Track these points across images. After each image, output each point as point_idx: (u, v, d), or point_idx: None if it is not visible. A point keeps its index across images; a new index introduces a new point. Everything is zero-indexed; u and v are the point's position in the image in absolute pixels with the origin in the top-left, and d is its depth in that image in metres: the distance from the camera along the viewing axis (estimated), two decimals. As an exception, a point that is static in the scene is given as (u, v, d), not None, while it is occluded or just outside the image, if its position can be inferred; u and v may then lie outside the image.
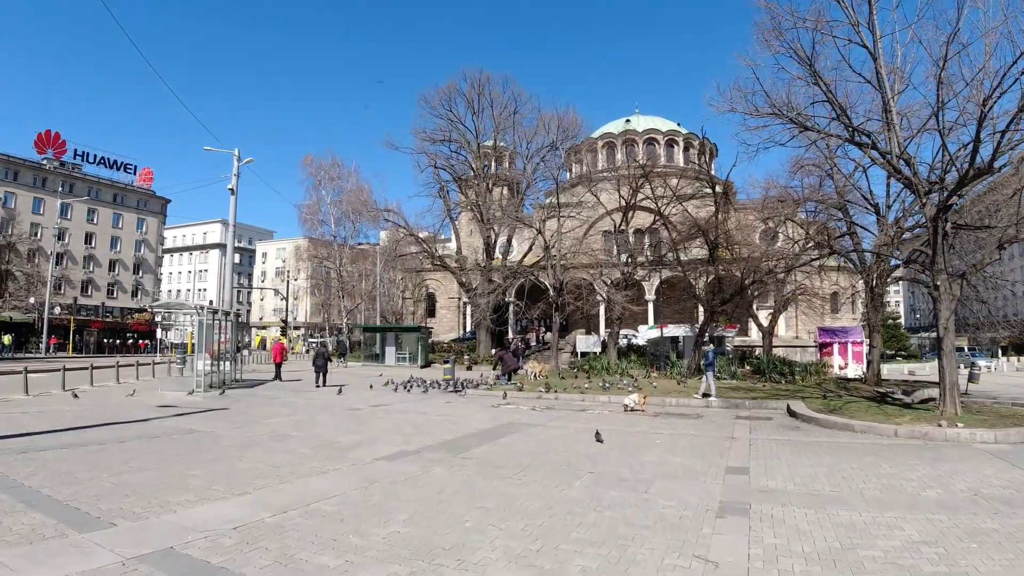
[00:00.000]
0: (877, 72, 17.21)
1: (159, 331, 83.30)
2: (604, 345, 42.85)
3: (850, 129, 18.30)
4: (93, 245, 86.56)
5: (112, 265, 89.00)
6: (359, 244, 72.55)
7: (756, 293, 37.08)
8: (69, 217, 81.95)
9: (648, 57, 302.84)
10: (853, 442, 13.69)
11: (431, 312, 67.11)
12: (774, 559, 6.10)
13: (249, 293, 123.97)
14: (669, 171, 52.08)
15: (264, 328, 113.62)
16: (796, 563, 6.00)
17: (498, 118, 49.56)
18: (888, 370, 37.44)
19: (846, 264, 37.79)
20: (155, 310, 67.03)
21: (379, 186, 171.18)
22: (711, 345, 27.01)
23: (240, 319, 67.35)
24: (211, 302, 66.16)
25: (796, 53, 17.87)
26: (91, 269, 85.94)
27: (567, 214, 44.88)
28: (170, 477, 9.24)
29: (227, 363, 26.33)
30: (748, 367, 33.63)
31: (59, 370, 24.16)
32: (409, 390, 25.78)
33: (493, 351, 43.31)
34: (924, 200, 17.30)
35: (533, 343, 54.78)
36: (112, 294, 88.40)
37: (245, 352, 51.70)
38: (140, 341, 78.61)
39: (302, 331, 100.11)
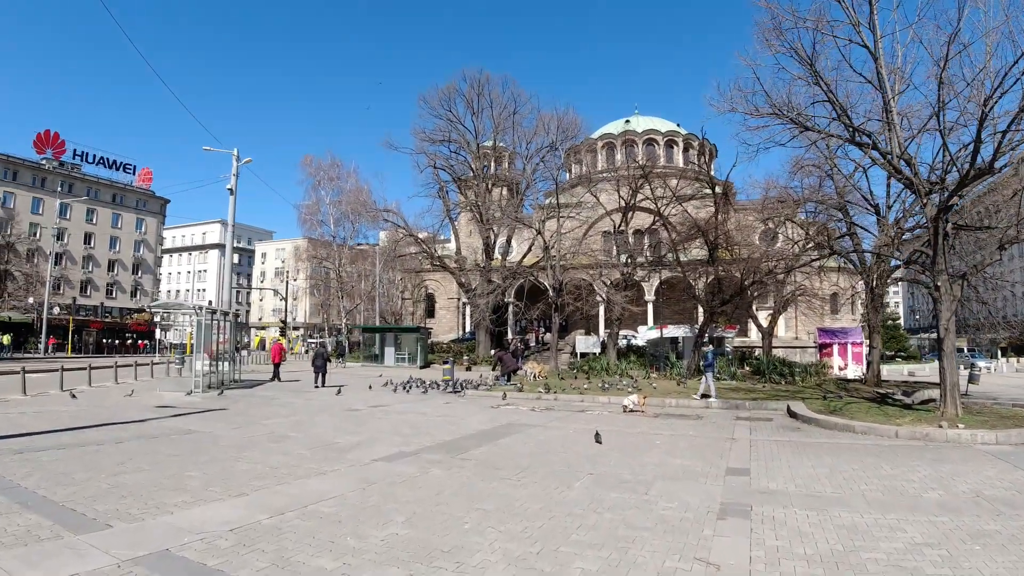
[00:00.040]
0: (878, 72, 17.17)
1: (158, 331, 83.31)
2: (603, 346, 42.82)
3: (851, 129, 18.26)
4: (92, 245, 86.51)
5: (111, 265, 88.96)
6: (358, 244, 72.49)
7: (756, 294, 37.03)
8: (68, 217, 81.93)
9: (648, 58, 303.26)
10: (854, 443, 13.63)
11: (430, 313, 67.06)
12: (776, 561, 6.05)
13: (248, 293, 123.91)
14: (669, 172, 52.05)
15: (263, 328, 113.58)
16: (798, 565, 5.94)
17: (498, 118, 49.59)
18: (887, 371, 37.41)
19: (846, 265, 37.75)
20: (153, 310, 67.02)
21: (378, 186, 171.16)
22: (710, 346, 26.95)
23: (239, 319, 67.29)
24: (210, 302, 66.15)
25: (796, 53, 17.83)
26: (90, 269, 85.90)
27: (567, 214, 44.84)
28: (167, 478, 9.17)
29: (226, 363, 26.26)
30: (748, 368, 33.57)
31: (57, 370, 24.11)
32: (408, 391, 25.72)
33: (492, 352, 43.29)
34: (925, 200, 17.24)
35: (532, 344, 54.76)
36: (111, 294, 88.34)
37: (244, 352, 51.71)
38: (139, 341, 78.55)
39: (301, 331, 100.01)
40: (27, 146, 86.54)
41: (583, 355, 43.26)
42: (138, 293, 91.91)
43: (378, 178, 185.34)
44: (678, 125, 70.07)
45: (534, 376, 30.42)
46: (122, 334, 79.68)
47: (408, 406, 20.66)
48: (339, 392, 24.45)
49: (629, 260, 40.74)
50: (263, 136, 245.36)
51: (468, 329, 60.43)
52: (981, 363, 46.55)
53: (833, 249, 28.48)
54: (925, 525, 7.28)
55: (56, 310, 70.81)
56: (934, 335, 77.11)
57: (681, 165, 64.55)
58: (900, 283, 66.14)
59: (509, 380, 27.87)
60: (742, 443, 13.53)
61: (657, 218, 37.08)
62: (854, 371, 34.09)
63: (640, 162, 43.64)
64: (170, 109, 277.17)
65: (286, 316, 74.83)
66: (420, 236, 51.86)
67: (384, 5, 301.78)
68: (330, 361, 34.24)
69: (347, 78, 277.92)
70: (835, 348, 36.15)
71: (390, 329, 52.16)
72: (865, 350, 33.43)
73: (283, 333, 71.94)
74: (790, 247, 32.56)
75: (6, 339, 54.36)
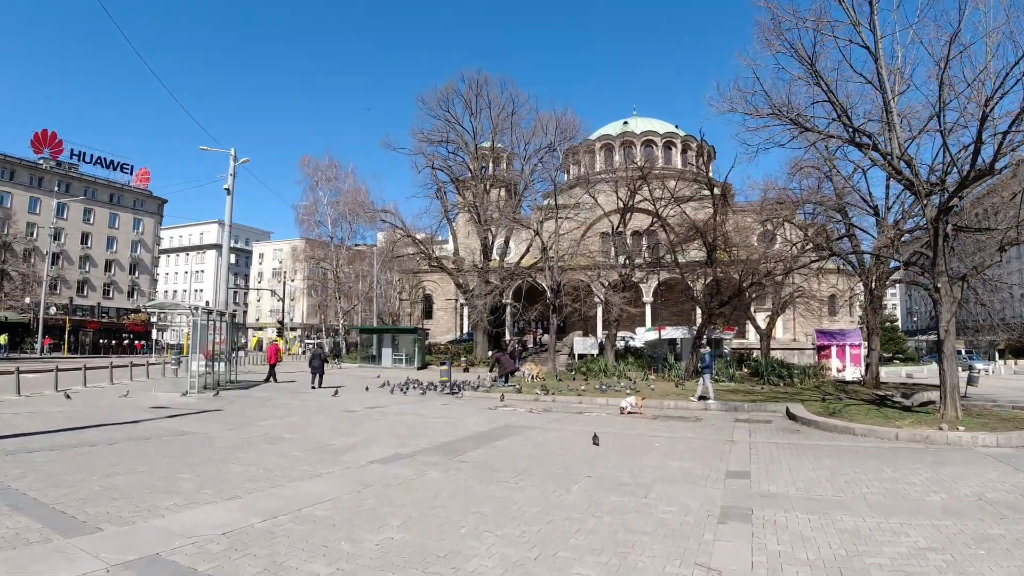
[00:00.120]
0: (878, 72, 17.10)
1: (155, 332, 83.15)
2: (602, 347, 42.74)
3: (851, 130, 18.19)
4: (89, 245, 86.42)
5: (108, 265, 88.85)
6: (356, 245, 72.39)
7: (754, 295, 36.95)
8: (65, 217, 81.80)
9: (646, 59, 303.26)
10: (854, 445, 13.55)
11: (428, 314, 66.97)
12: (779, 567, 5.94)
13: (246, 294, 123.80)
14: (667, 173, 52.01)
15: (260, 329, 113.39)
16: (801, 571, 5.84)
17: (496, 119, 49.55)
18: (886, 373, 37.37)
19: (844, 267, 37.70)
20: (149, 310, 66.82)
21: (376, 187, 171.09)
22: (707, 347, 26.87)
23: (236, 320, 67.04)
24: (207, 303, 65.99)
25: (796, 52, 17.75)
26: (87, 269, 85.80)
27: (565, 215, 44.78)
28: (159, 480, 9.05)
29: (222, 364, 26.12)
30: (746, 369, 33.52)
31: (52, 371, 23.96)
32: (405, 392, 25.61)
33: (490, 353, 43.21)
34: (925, 202, 17.16)
35: (530, 345, 54.71)
36: (108, 294, 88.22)
37: (241, 353, 51.54)
38: (136, 342, 78.40)
39: (299, 332, 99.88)
40: (24, 145, 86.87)
41: (581, 356, 43.17)
42: (135, 293, 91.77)
43: (376, 179, 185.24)
44: (676, 126, 70.11)
45: (532, 377, 30.32)
46: (119, 334, 79.53)
47: (405, 407, 20.54)
48: (336, 393, 24.31)
49: (627, 261, 40.69)
50: (262, 136, 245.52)
51: (466, 330, 60.36)
52: (979, 365, 46.50)
53: (832, 250, 28.42)
54: (928, 529, 7.18)
55: (53, 310, 70.67)
56: (932, 337, 77.28)
57: (679, 166, 64.57)
58: (898, 285, 66.14)
59: (507, 381, 27.77)
60: (741, 445, 13.43)
61: (655, 219, 37.04)
62: (852, 373, 34.08)
63: (638, 163, 43.62)
64: (168, 109, 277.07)
65: (283, 317, 74.70)
66: (418, 237, 51.82)
67: (384, 5, 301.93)
68: (327, 362, 34.10)
69: (347, 78, 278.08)
70: (833, 350, 36.15)
71: (387, 330, 52.04)
72: (863, 352, 33.39)
73: (280, 334, 71.80)
74: (788, 248, 32.49)
75: (2, 339, 54.13)
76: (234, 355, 31.85)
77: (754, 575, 5.76)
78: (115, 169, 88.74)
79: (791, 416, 18.13)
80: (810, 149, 23.45)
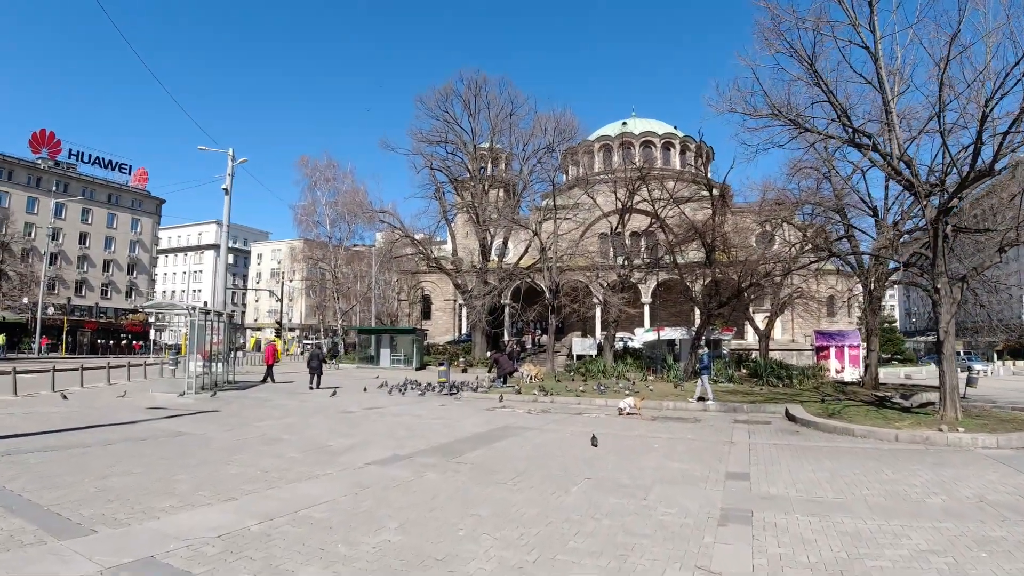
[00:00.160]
0: (877, 73, 17.08)
1: (153, 332, 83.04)
2: (600, 348, 42.70)
3: (850, 130, 18.15)
4: (87, 245, 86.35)
5: (106, 265, 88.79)
6: (354, 246, 72.34)
7: (753, 296, 36.93)
8: (63, 217, 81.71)
9: (645, 59, 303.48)
10: (854, 447, 13.51)
11: (426, 314, 66.89)
12: (779, 570, 5.89)
13: (244, 294, 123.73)
14: (666, 174, 51.97)
15: (259, 330, 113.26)
16: (802, 574, 5.80)
17: (494, 119, 49.47)
18: (884, 374, 37.35)
19: (843, 268, 37.66)
20: (146, 310, 66.70)
21: (375, 187, 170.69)
22: (705, 348, 26.82)
23: (234, 320, 66.92)
24: (205, 303, 65.85)
25: (796, 53, 17.73)
26: (85, 269, 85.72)
27: (563, 216, 44.71)
28: (155, 482, 8.99)
29: (219, 364, 26.04)
30: (745, 370, 33.50)
31: (49, 371, 23.88)
32: (404, 392, 25.54)
33: (488, 353, 43.11)
34: (924, 202, 17.12)
35: (529, 345, 54.61)
36: (106, 295, 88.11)
37: (239, 354, 51.45)
38: (134, 342, 78.17)
39: (297, 333, 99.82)
40: (23, 145, 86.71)
41: (580, 357, 43.14)
42: (133, 293, 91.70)
43: (375, 179, 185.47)
44: (675, 127, 70.10)
45: (530, 378, 30.27)
46: (117, 335, 79.33)
47: (403, 408, 20.48)
48: (334, 394, 24.24)
49: (626, 262, 40.64)
50: (262, 136, 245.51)
51: (464, 331, 60.28)
52: (978, 366, 46.55)
53: (831, 251, 28.36)
54: (930, 531, 7.13)
55: (50, 310, 70.50)
56: (930, 338, 77.31)
57: (678, 167, 64.56)
58: (896, 286, 66.17)
59: (505, 382, 27.71)
60: (741, 447, 13.38)
61: (654, 220, 36.98)
62: (851, 374, 34.06)
63: (637, 164, 43.61)
64: (167, 109, 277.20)
65: (281, 317, 74.67)
66: (416, 237, 51.74)
67: (384, 5, 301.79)
68: (325, 362, 34.02)
69: (346, 78, 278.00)
70: (832, 351, 36.12)
71: (386, 330, 51.95)
72: (862, 353, 33.38)
73: (278, 334, 71.67)
74: (787, 249, 32.45)
75: (0, 339, 54.03)
76: (232, 355, 31.76)
77: (755, 578, 5.71)
78: (113, 169, 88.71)
79: (790, 417, 18.08)
80: (809, 150, 23.40)
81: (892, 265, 27.83)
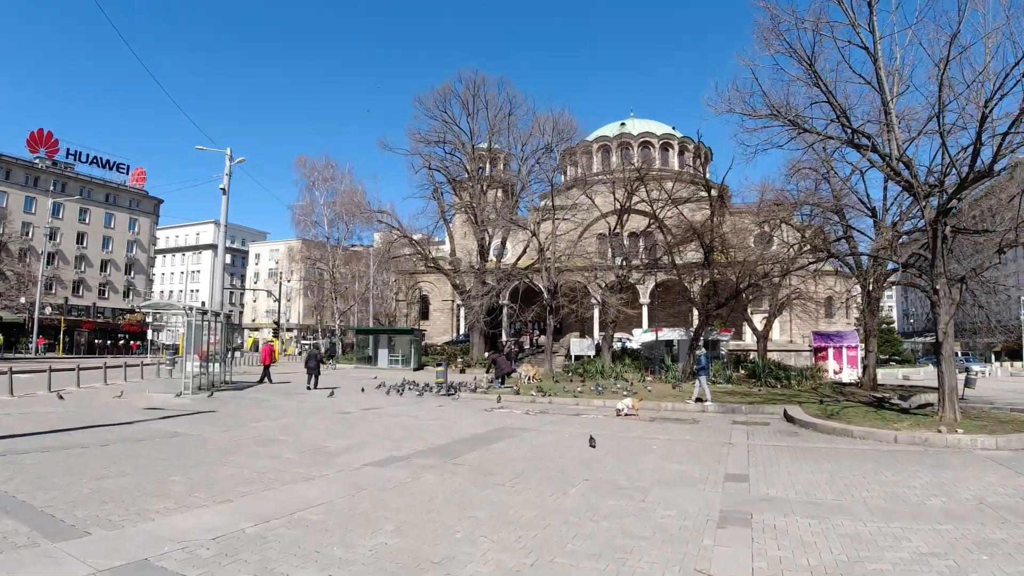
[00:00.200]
0: (877, 73, 17.04)
1: (150, 332, 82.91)
2: (598, 348, 42.67)
3: (849, 131, 18.12)
4: (85, 245, 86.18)
5: (104, 265, 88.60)
6: (352, 246, 72.23)
7: (751, 297, 36.90)
8: (61, 216, 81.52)
9: (644, 60, 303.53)
10: (853, 448, 13.47)
11: (424, 314, 66.85)
12: (779, 573, 5.84)
13: (242, 294, 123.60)
14: (664, 174, 52.00)
15: (256, 330, 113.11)
16: (802, 578, 5.75)
17: (493, 120, 49.43)
18: (882, 375, 37.32)
19: (841, 268, 37.69)
20: (143, 310, 66.56)
21: (373, 187, 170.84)
22: (703, 349, 26.80)
23: (231, 320, 66.78)
24: (203, 303, 65.80)
25: (796, 53, 17.71)
26: (82, 269, 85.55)
27: (562, 216, 44.69)
28: (150, 483, 8.93)
29: (216, 365, 25.96)
30: (743, 371, 33.47)
31: (46, 371, 23.81)
32: (401, 393, 25.48)
33: (486, 354, 43.03)
34: (924, 203, 17.10)
35: (527, 346, 54.60)
36: (103, 294, 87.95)
37: (237, 354, 51.36)
38: (132, 342, 78.06)
39: (295, 333, 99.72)
40: (20, 145, 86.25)
41: (578, 358, 43.09)
42: (131, 293, 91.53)
43: (373, 179, 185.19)
44: (674, 128, 70.13)
45: (528, 379, 30.22)
46: (114, 335, 79.25)
47: (401, 409, 20.43)
48: (332, 394, 24.18)
49: (624, 262, 40.60)
50: (261, 136, 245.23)
51: (462, 331, 60.27)
52: (976, 367, 46.58)
53: (830, 252, 28.34)
54: (930, 534, 7.09)
55: (48, 310, 70.40)
56: (928, 339, 77.15)
57: (677, 168, 64.62)
58: (894, 287, 66.20)
59: (503, 383, 27.65)
60: (740, 448, 13.34)
61: (652, 221, 36.96)
62: (849, 375, 34.06)
63: (636, 164, 43.61)
64: (166, 109, 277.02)
65: (279, 317, 74.57)
66: (415, 238, 51.67)
67: (384, 5, 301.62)
68: (323, 363, 33.95)
69: (346, 78, 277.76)
70: (830, 352, 36.12)
71: (384, 331, 51.92)
72: (860, 354, 33.38)
73: (276, 334, 71.59)
74: (786, 250, 32.43)
75: (-3, 338, 53.96)
76: (229, 356, 31.68)
77: (755, 582, 5.66)
78: (111, 169, 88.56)
79: (789, 418, 18.05)
80: (808, 150, 23.38)
81: (891, 266, 27.82)
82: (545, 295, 40.97)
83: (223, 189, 30.52)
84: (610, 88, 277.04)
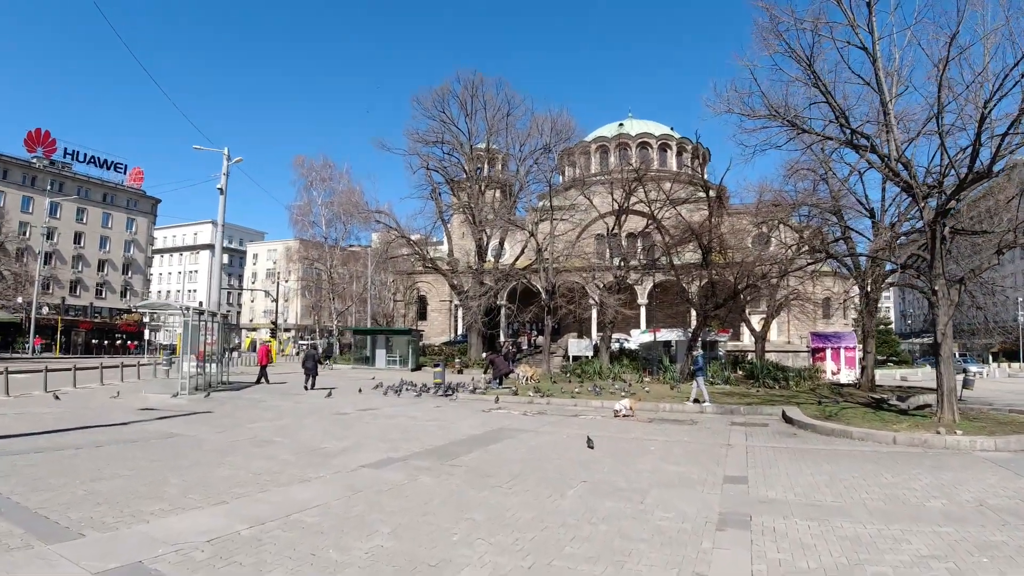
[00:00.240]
0: (876, 74, 17.02)
1: (148, 332, 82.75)
2: (596, 349, 42.63)
3: (848, 131, 18.09)
4: (82, 245, 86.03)
5: (101, 265, 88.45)
6: (350, 246, 72.12)
7: (749, 298, 36.89)
8: (58, 216, 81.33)
9: (642, 61, 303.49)
10: (852, 449, 13.43)
11: (422, 315, 66.78)
12: (779, 577, 5.80)
13: (239, 294, 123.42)
14: (662, 175, 51.97)
15: (254, 330, 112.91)
16: (802, 581, 5.70)
17: (491, 120, 49.36)
18: (880, 375, 37.29)
19: (839, 269, 37.65)
20: (139, 310, 66.42)
21: (371, 187, 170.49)
22: (699, 350, 26.78)
23: (229, 320, 66.72)
24: (200, 303, 65.65)
25: (794, 53, 17.69)
26: (80, 269, 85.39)
27: (560, 217, 44.65)
28: (145, 485, 8.86)
29: (213, 365, 25.87)
30: (741, 372, 33.45)
31: (42, 371, 23.74)
32: (399, 394, 25.38)
33: (484, 355, 42.99)
34: (922, 204, 17.07)
35: (525, 347, 54.54)
36: (101, 294, 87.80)
37: (235, 354, 51.25)
38: (129, 342, 77.87)
39: (292, 333, 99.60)
40: (18, 144, 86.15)
41: (576, 358, 43.04)
42: (128, 293, 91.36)
43: (371, 179, 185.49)
44: (672, 129, 70.13)
45: (526, 379, 30.17)
46: (111, 335, 79.02)
47: (398, 409, 20.36)
48: (329, 395, 24.11)
49: (622, 263, 40.58)
50: (261, 136, 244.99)
51: (460, 332, 60.20)
52: (973, 368, 46.59)
53: (828, 253, 28.33)
54: (930, 536, 7.04)
55: (45, 310, 70.24)
56: (926, 340, 77.09)
57: (675, 168, 64.62)
58: (891, 288, 66.31)
59: (501, 383, 27.59)
60: (738, 449, 13.29)
61: (651, 221, 36.94)
62: (847, 376, 34.03)
63: (634, 165, 43.58)
64: (164, 108, 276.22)
65: (277, 317, 74.35)
66: (412, 238, 51.58)
67: (384, 5, 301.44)
68: (321, 363, 33.86)
69: (346, 79, 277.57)
70: (828, 353, 36.09)
71: (381, 331, 51.85)
72: (858, 355, 33.37)
73: (274, 334, 71.46)
74: (784, 251, 32.42)
75: (-6, 338, 53.90)
76: (227, 356, 31.59)
77: (754, 585, 5.61)
78: (109, 168, 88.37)
79: (787, 419, 18.01)
80: (807, 151, 23.41)
81: (889, 267, 27.82)
82: (543, 296, 40.94)
83: (220, 189, 30.44)
84: (608, 89, 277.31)
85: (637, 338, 47.14)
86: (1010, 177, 21.10)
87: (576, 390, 25.61)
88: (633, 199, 37.89)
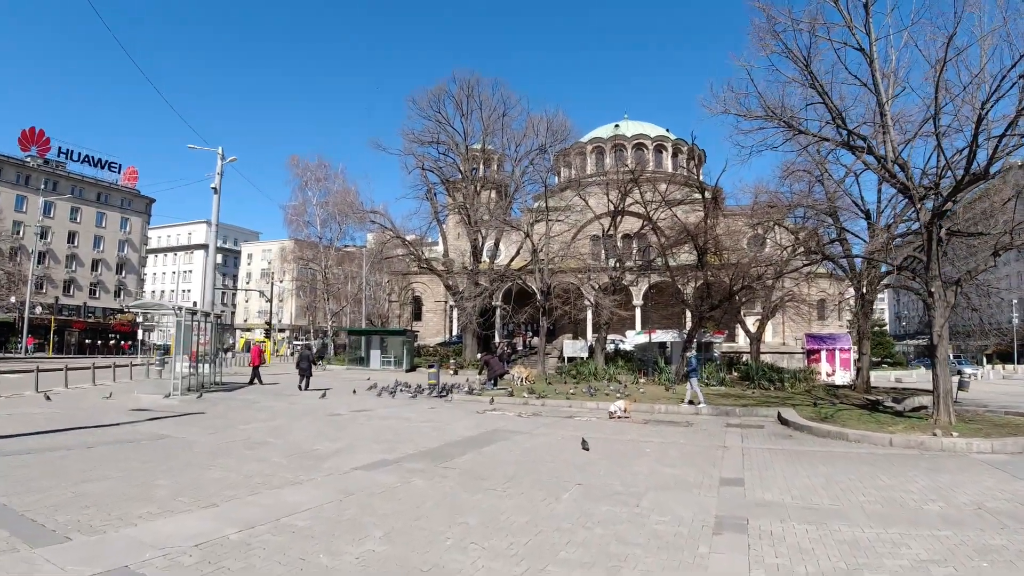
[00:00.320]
0: (872, 75, 16.98)
1: (141, 332, 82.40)
2: (591, 350, 42.50)
3: (845, 132, 18.04)
4: (76, 244, 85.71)
5: (95, 265, 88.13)
6: (345, 246, 71.94)
7: (744, 299, 36.88)
8: (52, 215, 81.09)
9: (638, 63, 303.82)
10: (848, 451, 13.36)
11: (417, 315, 66.60)
12: (777, 582, 5.71)
13: (234, 294, 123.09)
14: (658, 176, 51.97)
15: (248, 330, 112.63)
16: (801, 587, 5.61)
17: (487, 120, 49.19)
18: (875, 377, 37.30)
19: (835, 271, 37.68)
20: (132, 310, 66.14)
21: (366, 188, 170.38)
22: (693, 351, 26.71)
23: (222, 320, 66.42)
24: (195, 303, 65.37)
25: (791, 54, 17.63)
26: (73, 268, 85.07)
27: (555, 218, 44.54)
28: (134, 487, 8.74)
29: (206, 366, 25.70)
30: (736, 373, 33.39)
31: (34, 371, 23.57)
32: (394, 395, 25.24)
33: (479, 355, 42.86)
34: (919, 205, 17.04)
35: (520, 347, 54.42)
36: (94, 294, 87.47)
37: (229, 355, 51.09)
38: (123, 342, 77.58)
39: (287, 333, 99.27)
40: (12, 143, 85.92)
41: (571, 359, 42.92)
42: (122, 293, 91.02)
43: (366, 179, 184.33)
44: (667, 130, 70.08)
45: (521, 380, 30.07)
46: (105, 334, 78.73)
47: (392, 411, 20.23)
48: (323, 396, 23.98)
49: (618, 264, 40.51)
50: (258, 137, 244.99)
51: (455, 332, 60.00)
52: (968, 370, 46.64)
53: (823, 254, 28.31)
54: (929, 540, 6.97)
55: (38, 310, 69.93)
56: (920, 341, 77.27)
57: (670, 170, 64.62)
58: (886, 290, 66.41)
59: (496, 384, 27.46)
60: (734, 451, 13.22)
61: (646, 222, 36.88)
62: (842, 377, 33.98)
63: (629, 166, 43.49)
64: (160, 108, 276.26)
65: (271, 318, 74.14)
66: (408, 238, 51.39)
67: (379, 6, 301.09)
68: (315, 364, 33.69)
69: (345, 79, 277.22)
70: (823, 354, 36.02)
71: (376, 332, 51.69)
72: (853, 356, 33.35)
73: (268, 335, 71.22)
74: (779, 252, 32.39)
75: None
76: (220, 356, 31.44)
77: (752, 591, 5.52)
78: (103, 168, 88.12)
79: (783, 421, 17.95)
80: (803, 152, 23.39)
81: (884, 269, 27.81)
82: (538, 296, 40.83)
83: (214, 188, 30.32)
84: (605, 90, 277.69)
85: (632, 339, 47.06)
86: (1006, 179, 21.05)
87: (571, 391, 25.52)
88: (629, 200, 37.84)
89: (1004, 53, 16.38)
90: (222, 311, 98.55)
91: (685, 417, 19.90)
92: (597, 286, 40.95)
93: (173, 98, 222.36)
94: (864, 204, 28.11)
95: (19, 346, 60.99)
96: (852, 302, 37.55)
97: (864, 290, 29.03)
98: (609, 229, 40.34)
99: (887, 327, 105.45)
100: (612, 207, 38.81)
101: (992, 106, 14.33)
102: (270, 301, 72.64)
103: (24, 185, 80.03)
